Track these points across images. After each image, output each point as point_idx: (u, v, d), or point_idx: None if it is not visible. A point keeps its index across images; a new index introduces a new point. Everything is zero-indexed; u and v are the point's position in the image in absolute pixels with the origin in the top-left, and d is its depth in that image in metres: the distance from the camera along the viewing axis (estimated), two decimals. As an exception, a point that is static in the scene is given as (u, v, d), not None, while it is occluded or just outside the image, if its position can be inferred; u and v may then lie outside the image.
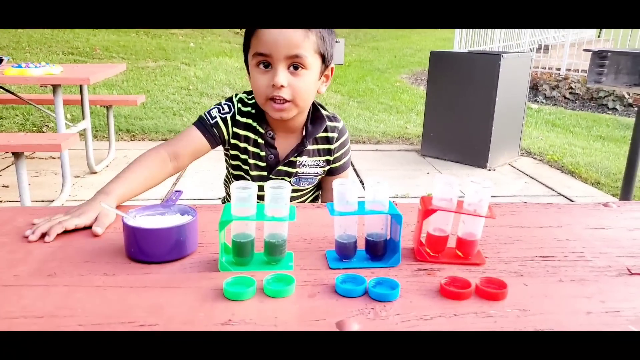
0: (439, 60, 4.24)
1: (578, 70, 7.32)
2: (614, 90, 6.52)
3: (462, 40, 7.64)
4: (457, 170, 4.03)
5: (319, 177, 1.32)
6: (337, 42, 4.85)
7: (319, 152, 1.29)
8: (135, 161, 1.11)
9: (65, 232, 0.90)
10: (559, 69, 7.63)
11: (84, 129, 3.53)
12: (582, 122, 5.90)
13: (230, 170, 1.33)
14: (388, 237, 0.83)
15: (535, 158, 4.47)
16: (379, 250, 0.83)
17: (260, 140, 1.24)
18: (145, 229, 0.81)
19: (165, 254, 0.81)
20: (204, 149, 1.21)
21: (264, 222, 0.80)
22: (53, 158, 3.82)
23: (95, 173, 3.59)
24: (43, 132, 4.57)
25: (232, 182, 1.35)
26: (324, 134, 1.28)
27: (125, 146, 4.28)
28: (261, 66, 1.13)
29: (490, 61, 3.92)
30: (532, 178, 3.93)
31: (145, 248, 0.81)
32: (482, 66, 3.97)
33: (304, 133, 1.25)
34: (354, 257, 0.83)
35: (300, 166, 1.27)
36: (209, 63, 7.29)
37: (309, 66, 1.13)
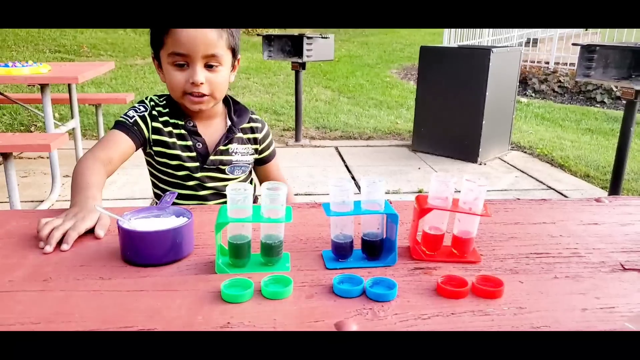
0: (429, 55, 4.25)
1: (567, 63, 7.37)
2: (602, 84, 6.58)
3: (452, 34, 7.66)
4: (449, 165, 4.05)
5: (250, 165, 1.38)
6: (326, 37, 4.77)
7: (247, 140, 1.36)
8: (82, 171, 1.10)
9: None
10: (547, 63, 7.68)
11: (73, 128, 3.50)
12: (571, 116, 5.95)
13: (158, 171, 1.31)
14: (384, 237, 0.84)
15: (525, 152, 4.51)
16: (376, 249, 0.83)
17: (183, 132, 1.28)
18: (141, 232, 0.81)
19: (161, 256, 0.80)
20: (130, 150, 1.23)
21: (260, 223, 0.80)
22: (42, 158, 3.78)
23: (85, 172, 3.56)
24: (31, 131, 4.51)
25: (159, 186, 1.32)
26: (248, 125, 1.37)
27: (115, 145, 4.24)
28: (177, 65, 1.19)
29: (480, 55, 3.93)
30: (522, 172, 3.96)
31: (142, 251, 0.80)
32: (472, 61, 3.98)
33: (228, 122, 1.32)
34: (350, 257, 0.83)
35: (234, 154, 1.32)
36: (198, 60, 7.23)
37: (224, 62, 1.22)
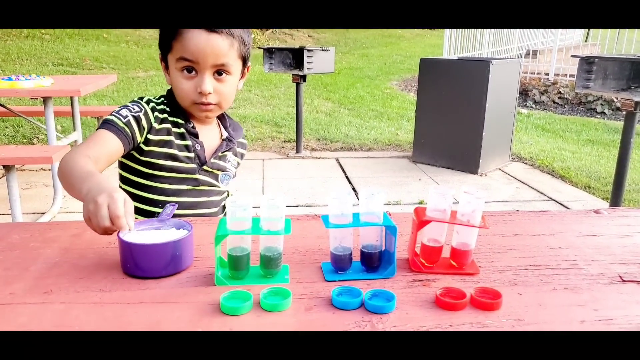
0: (429, 67, 4.27)
1: (566, 75, 7.40)
2: (602, 95, 6.60)
3: (452, 46, 7.71)
4: (449, 176, 4.06)
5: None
6: (327, 50, 4.81)
7: (237, 154, 1.37)
8: (73, 165, 0.99)
9: (62, 247, 0.90)
10: (547, 74, 7.71)
11: (75, 141, 3.52)
12: (571, 127, 5.97)
13: (140, 175, 1.22)
14: (383, 249, 0.84)
15: (526, 163, 4.51)
16: (374, 261, 0.83)
17: (182, 131, 1.23)
18: (141, 245, 0.81)
19: (161, 269, 0.81)
20: (118, 154, 1.13)
21: (260, 236, 0.80)
22: (44, 170, 3.80)
23: (87, 184, 3.57)
24: (33, 144, 4.54)
25: (138, 186, 1.22)
26: (240, 140, 1.38)
27: (117, 157, 4.26)
28: (185, 71, 1.16)
29: (480, 67, 3.96)
30: (523, 183, 3.96)
31: (142, 263, 0.81)
32: (471, 72, 4.01)
33: (224, 133, 1.32)
34: (349, 269, 0.83)
35: (228, 162, 1.32)
36: (200, 72, 7.28)
37: (233, 71, 1.19)
